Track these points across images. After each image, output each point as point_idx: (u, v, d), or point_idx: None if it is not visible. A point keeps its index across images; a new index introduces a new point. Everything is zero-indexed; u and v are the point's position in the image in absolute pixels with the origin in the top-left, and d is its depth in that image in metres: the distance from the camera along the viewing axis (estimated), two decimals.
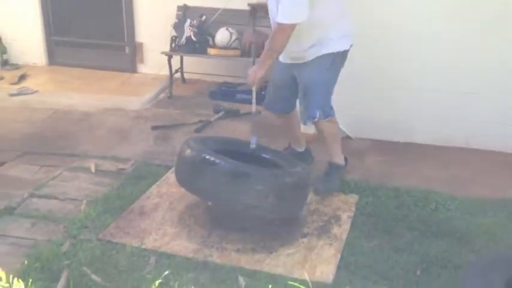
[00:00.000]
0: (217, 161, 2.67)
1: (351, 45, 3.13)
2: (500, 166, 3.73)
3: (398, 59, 3.87)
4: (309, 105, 3.15)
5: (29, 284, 2.32)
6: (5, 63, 5.63)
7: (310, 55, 3.07)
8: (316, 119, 3.15)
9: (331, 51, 3.04)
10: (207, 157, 2.69)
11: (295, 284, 2.27)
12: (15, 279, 2.29)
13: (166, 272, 2.43)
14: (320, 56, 3.05)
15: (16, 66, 5.62)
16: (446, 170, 3.66)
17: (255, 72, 3.01)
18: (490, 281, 2.13)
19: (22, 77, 5.30)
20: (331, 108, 3.20)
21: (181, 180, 2.89)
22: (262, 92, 3.75)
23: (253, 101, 3.18)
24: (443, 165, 3.73)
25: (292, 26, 2.85)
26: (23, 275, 2.35)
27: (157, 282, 2.34)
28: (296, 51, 3.07)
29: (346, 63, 3.18)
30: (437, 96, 3.91)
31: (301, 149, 3.63)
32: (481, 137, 3.91)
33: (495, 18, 3.68)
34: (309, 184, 2.99)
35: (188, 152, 2.80)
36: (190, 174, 2.81)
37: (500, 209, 3.15)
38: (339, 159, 3.39)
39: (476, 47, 3.76)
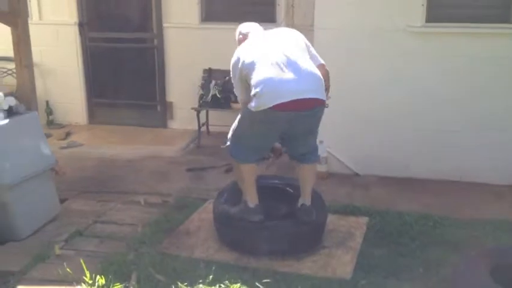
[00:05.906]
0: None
1: (268, 107, 2.99)
2: (487, 195, 4.32)
3: (398, 105, 4.55)
4: None
5: (109, 279, 2.93)
6: (51, 123, 6.37)
7: None
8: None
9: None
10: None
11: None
12: (98, 276, 2.92)
13: (214, 268, 3.06)
14: None
15: (60, 126, 6.35)
16: (441, 199, 4.25)
17: None
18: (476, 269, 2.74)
19: (68, 134, 6.03)
20: (236, 150, 3.36)
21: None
22: None
23: None
24: (438, 195, 4.32)
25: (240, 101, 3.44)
26: (101, 275, 2.97)
27: (210, 277, 2.96)
28: None
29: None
30: (431, 136, 4.54)
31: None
32: (471, 171, 4.53)
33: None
34: (324, 223, 3.55)
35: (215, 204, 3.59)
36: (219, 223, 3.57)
37: (487, 225, 3.72)
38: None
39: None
